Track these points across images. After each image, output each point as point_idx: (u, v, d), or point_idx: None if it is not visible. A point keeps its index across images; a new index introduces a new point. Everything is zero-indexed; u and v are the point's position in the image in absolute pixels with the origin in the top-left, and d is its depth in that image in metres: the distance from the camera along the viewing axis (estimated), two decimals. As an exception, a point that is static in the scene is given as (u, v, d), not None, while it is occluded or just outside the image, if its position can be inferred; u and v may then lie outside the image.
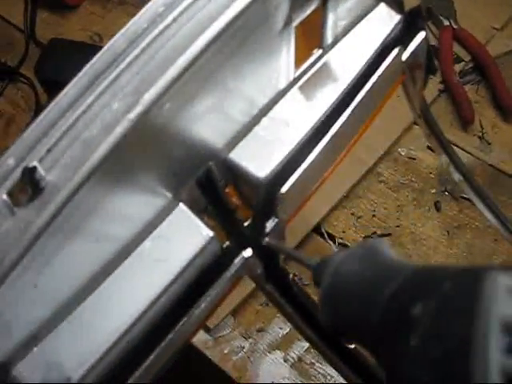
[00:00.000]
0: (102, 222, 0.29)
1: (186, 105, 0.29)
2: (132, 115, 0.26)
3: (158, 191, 0.32)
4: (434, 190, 0.67)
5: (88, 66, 0.27)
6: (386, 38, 0.36)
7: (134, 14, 0.28)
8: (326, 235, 0.65)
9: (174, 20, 0.28)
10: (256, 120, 0.35)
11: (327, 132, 0.35)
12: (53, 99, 0.27)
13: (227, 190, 0.35)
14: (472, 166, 0.68)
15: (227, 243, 0.35)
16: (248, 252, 0.34)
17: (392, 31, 0.37)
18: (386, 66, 0.36)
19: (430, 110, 0.45)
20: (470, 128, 0.71)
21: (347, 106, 0.35)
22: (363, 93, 0.35)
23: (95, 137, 0.26)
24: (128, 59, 0.27)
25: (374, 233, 0.65)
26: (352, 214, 0.66)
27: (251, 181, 0.34)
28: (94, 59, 0.27)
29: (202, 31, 0.27)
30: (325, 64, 0.36)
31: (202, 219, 0.33)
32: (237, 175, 0.34)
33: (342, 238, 0.65)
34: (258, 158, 0.34)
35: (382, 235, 0.64)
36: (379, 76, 0.36)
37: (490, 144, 0.70)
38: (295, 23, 0.32)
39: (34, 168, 0.25)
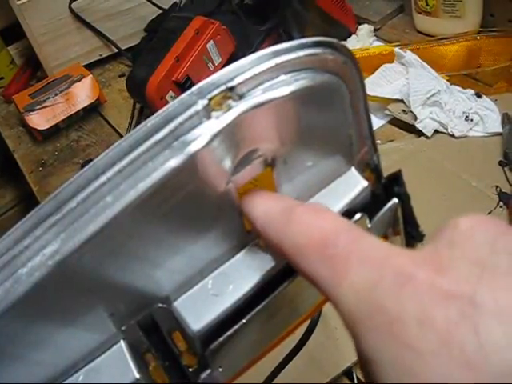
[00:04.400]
0: (39, 350, 0.32)
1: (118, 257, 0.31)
2: (50, 262, 0.29)
3: (95, 329, 0.34)
4: None
5: (35, 209, 0.30)
6: (349, 203, 0.36)
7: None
8: (356, 380, 0.62)
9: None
10: (207, 273, 0.36)
11: (267, 296, 0.35)
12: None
13: (175, 335, 0.36)
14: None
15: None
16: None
17: (357, 197, 0.36)
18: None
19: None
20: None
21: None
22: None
23: (23, 275, 0.29)
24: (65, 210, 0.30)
25: None
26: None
27: (188, 331, 0.34)
28: (41, 205, 0.31)
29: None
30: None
31: (141, 359, 0.35)
32: (179, 323, 0.35)
33: (372, 386, 0.61)
34: (198, 311, 0.35)
35: None
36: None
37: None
38: (233, 188, 0.33)
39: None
